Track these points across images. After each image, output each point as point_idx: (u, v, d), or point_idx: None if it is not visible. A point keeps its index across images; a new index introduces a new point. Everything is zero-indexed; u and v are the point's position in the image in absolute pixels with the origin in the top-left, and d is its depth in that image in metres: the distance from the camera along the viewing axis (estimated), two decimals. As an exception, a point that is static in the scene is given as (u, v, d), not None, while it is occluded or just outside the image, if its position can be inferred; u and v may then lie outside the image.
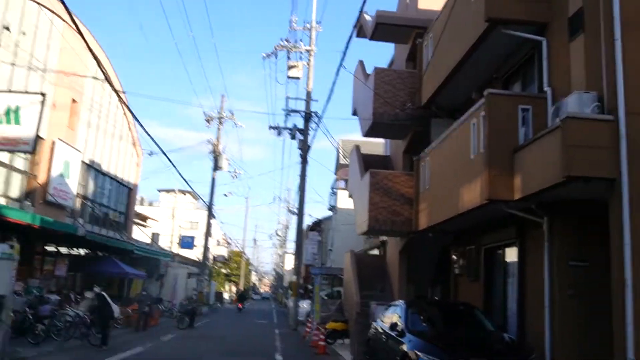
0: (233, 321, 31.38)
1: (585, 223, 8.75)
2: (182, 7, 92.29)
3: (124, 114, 27.02)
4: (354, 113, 19.47)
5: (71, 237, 19.93)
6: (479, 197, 9.60)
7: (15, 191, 19.01)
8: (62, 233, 18.87)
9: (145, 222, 42.22)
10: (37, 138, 16.23)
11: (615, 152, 7.44)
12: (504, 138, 9.24)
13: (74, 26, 12.03)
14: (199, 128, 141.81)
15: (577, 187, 7.79)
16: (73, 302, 18.50)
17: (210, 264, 48.63)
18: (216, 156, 35.63)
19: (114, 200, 27.76)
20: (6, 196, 18.32)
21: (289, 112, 26.26)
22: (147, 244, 33.77)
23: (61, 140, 20.78)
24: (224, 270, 68.82)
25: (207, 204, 36.24)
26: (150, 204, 62.00)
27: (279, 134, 26.31)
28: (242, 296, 47.69)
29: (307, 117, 26.01)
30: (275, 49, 26.66)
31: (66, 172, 21.15)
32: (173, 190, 53.79)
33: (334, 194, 36.13)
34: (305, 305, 27.92)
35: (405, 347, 9.16)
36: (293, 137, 26.13)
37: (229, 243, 69.66)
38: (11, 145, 15.71)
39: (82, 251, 24.41)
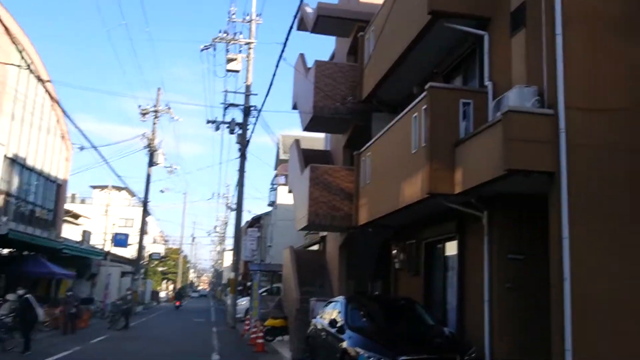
0: (169, 320, 30.65)
1: (524, 217, 8.81)
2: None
3: (52, 106, 25.63)
4: (295, 107, 19.18)
5: (-8, 236, 18.73)
6: (419, 191, 9.53)
7: None
8: (-19, 231, 17.70)
9: (76, 219, 40.41)
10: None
11: (554, 146, 7.48)
12: (445, 132, 9.18)
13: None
14: (135, 123, 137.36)
15: (517, 181, 7.79)
16: (-7, 305, 17.34)
17: (146, 262, 47.33)
18: (152, 151, 34.61)
19: (41, 197, 26.23)
20: None
21: (227, 105, 25.79)
22: (78, 242, 32.39)
23: (-20, 132, 19.47)
24: (160, 268, 67.33)
25: (142, 200, 35.12)
26: (83, 201, 59.52)
27: (217, 128, 25.71)
28: (179, 294, 46.92)
29: (247, 110, 25.55)
30: (214, 41, 26.06)
31: (-14, 167, 19.84)
32: (107, 187, 51.84)
33: (274, 189, 35.71)
34: (244, 302, 27.57)
35: (345, 344, 9.04)
36: (232, 132, 25.54)
37: (166, 240, 68.13)
38: None
39: (5, 250, 23.12)
